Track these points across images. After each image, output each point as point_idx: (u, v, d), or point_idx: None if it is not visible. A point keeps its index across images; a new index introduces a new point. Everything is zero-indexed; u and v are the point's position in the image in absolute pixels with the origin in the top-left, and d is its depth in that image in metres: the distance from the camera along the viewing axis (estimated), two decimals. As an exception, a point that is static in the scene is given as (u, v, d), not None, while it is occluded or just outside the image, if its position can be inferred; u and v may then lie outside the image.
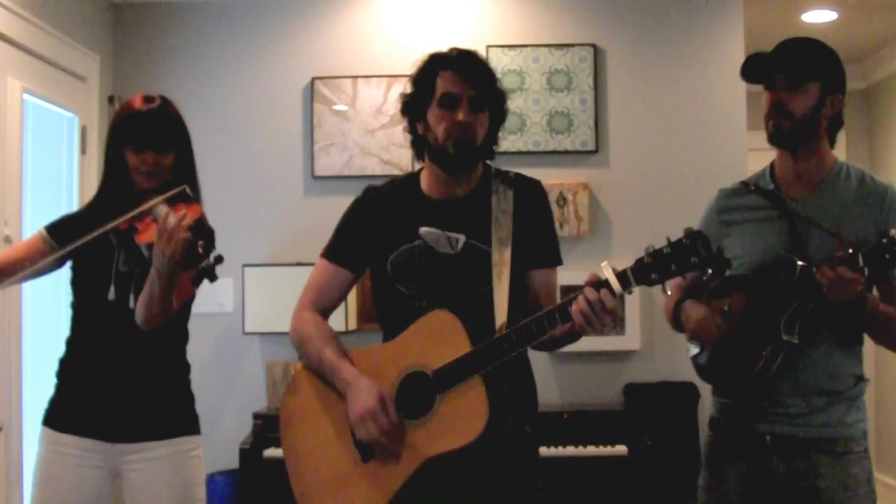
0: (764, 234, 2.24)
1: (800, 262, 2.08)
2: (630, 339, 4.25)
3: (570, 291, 1.93)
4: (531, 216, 2.16)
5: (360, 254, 2.22)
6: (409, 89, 2.19)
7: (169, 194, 2.26)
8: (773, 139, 2.24)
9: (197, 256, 2.08)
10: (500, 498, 2.07)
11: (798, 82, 2.17)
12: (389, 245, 2.16)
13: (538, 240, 2.17)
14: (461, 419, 1.95)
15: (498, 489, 2.07)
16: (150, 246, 2.19)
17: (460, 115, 2.08)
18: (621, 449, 3.82)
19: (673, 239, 1.83)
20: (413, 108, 2.17)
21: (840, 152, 5.79)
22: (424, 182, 2.21)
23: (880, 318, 2.13)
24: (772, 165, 2.33)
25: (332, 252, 2.23)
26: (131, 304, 2.32)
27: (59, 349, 2.47)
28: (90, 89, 4.12)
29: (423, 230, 2.14)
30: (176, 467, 2.40)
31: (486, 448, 1.95)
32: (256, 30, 4.43)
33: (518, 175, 2.22)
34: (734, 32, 4.29)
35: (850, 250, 2.01)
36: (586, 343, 4.14)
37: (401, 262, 2.14)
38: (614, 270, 1.87)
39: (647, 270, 1.84)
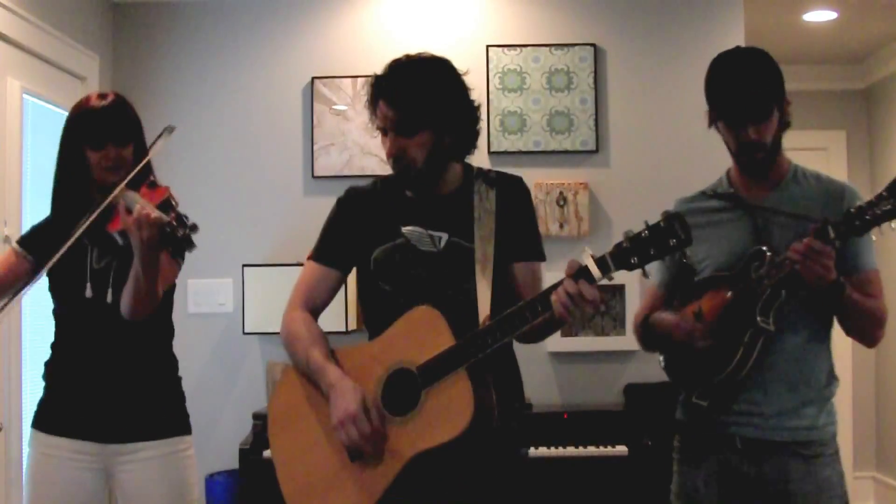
0: (727, 234, 2.26)
1: (768, 253, 2.10)
2: (630, 339, 4.20)
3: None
4: (513, 213, 2.16)
5: (345, 253, 2.23)
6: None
7: (129, 176, 2.28)
8: (750, 172, 2.26)
9: (172, 229, 2.11)
10: (486, 495, 2.07)
11: (766, 116, 2.17)
12: (373, 243, 2.17)
13: (520, 234, 2.17)
14: (447, 413, 1.95)
15: (484, 486, 2.07)
16: (122, 233, 2.20)
17: (386, 148, 2.10)
18: (621, 449, 3.82)
19: (651, 223, 1.83)
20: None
21: (840, 152, 5.85)
22: None
23: (855, 306, 2.13)
24: (727, 172, 2.36)
25: (319, 253, 2.24)
26: (108, 298, 2.32)
27: (57, 350, 2.48)
28: (90, 89, 4.10)
29: (406, 229, 2.15)
30: (169, 468, 2.40)
31: (472, 444, 1.95)
32: (256, 30, 4.43)
33: (499, 174, 2.22)
34: (734, 32, 4.28)
35: (819, 224, 2.02)
36: (586, 343, 4.23)
37: (384, 260, 2.15)
38: (593, 256, 1.88)
39: (627, 255, 1.84)
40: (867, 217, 1.97)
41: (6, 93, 3.44)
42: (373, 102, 2.13)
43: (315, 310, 2.23)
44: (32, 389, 3.47)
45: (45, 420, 2.42)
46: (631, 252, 1.84)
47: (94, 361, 2.38)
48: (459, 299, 2.06)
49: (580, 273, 1.88)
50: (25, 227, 3.47)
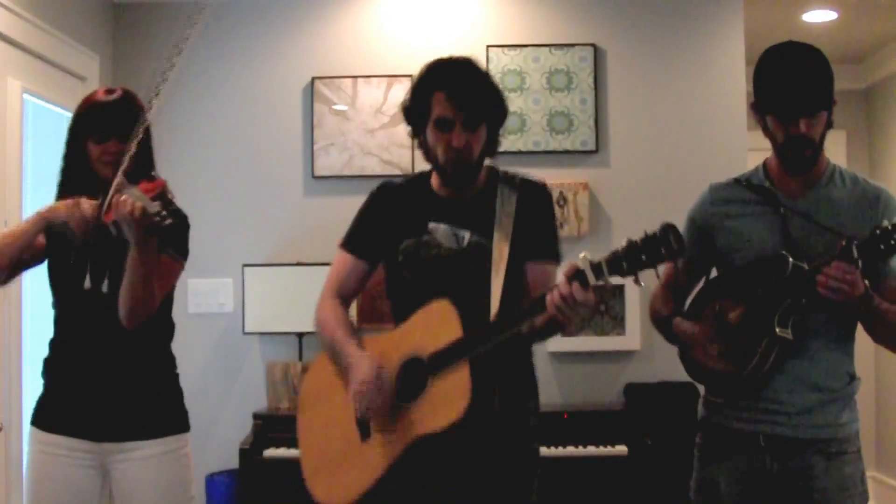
0: (758, 229, 2.24)
1: (791, 260, 2.09)
2: (630, 339, 4.25)
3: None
4: (532, 217, 2.24)
5: (374, 245, 2.32)
6: (408, 99, 2.25)
7: (124, 165, 2.28)
8: (798, 168, 2.21)
9: (160, 217, 2.13)
10: (500, 487, 2.15)
11: (819, 109, 2.14)
12: (400, 237, 2.26)
13: (536, 235, 2.24)
14: (445, 401, 2.03)
15: (494, 477, 2.15)
16: (116, 223, 2.22)
17: (454, 141, 2.14)
18: (621, 449, 3.82)
19: (649, 232, 1.87)
20: (413, 121, 2.25)
21: (840, 152, 5.85)
22: (435, 180, 2.30)
23: (884, 315, 2.12)
24: (765, 164, 2.32)
25: (349, 242, 2.35)
26: (105, 288, 2.33)
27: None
28: (90, 89, 4.10)
29: (432, 225, 2.24)
30: (165, 467, 2.40)
31: (482, 432, 2.05)
32: (256, 30, 4.43)
33: (523, 179, 2.29)
34: (734, 32, 4.28)
35: (844, 242, 2.02)
36: (586, 343, 4.23)
37: (410, 253, 2.24)
38: (590, 261, 1.92)
39: (620, 261, 1.89)
40: (892, 241, 1.97)
41: (6, 93, 3.44)
42: (423, 96, 2.17)
43: (346, 298, 2.35)
44: (32, 389, 3.47)
45: (43, 417, 2.42)
46: (624, 258, 1.88)
47: (90, 359, 2.37)
48: (477, 295, 2.13)
49: (575, 276, 1.92)
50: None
